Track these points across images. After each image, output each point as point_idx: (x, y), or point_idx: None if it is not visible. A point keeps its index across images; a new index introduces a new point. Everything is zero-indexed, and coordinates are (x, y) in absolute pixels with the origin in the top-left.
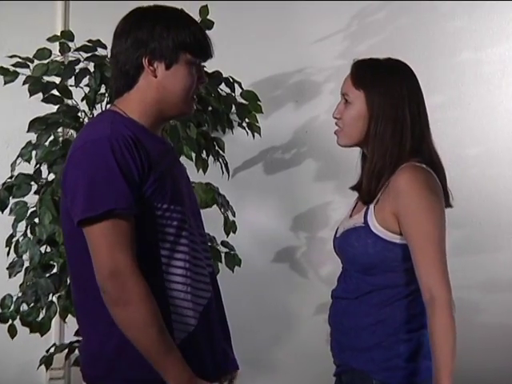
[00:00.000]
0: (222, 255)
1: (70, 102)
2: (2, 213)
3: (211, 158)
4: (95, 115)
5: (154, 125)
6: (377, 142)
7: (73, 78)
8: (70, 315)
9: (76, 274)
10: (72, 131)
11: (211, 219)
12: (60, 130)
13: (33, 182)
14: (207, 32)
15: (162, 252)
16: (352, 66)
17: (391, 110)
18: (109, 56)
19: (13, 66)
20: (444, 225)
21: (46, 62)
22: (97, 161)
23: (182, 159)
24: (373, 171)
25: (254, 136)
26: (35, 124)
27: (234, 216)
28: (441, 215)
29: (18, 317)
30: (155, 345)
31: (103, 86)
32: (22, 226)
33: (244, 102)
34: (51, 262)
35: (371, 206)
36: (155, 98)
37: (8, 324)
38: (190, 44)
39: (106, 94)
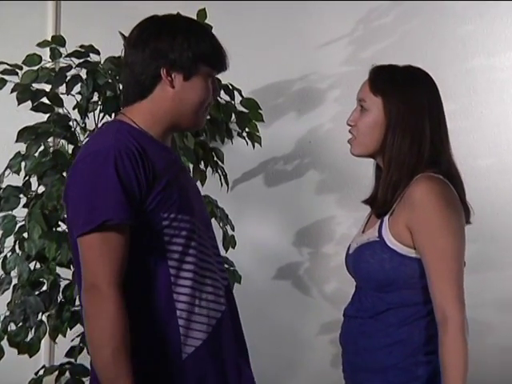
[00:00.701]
0: None
1: (60, 110)
2: None
3: (209, 169)
4: (99, 125)
5: (162, 135)
6: (394, 152)
7: (64, 85)
8: (60, 335)
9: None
10: (63, 141)
11: None
12: (50, 139)
13: (22, 195)
14: None
15: (169, 263)
16: (370, 71)
17: (410, 120)
18: (102, 62)
19: (0, 73)
20: (462, 240)
21: (35, 68)
22: (97, 172)
23: None
24: (389, 183)
25: (254, 146)
26: (24, 134)
27: (233, 230)
28: (458, 230)
29: (6, 337)
30: (106, 367)
31: (96, 93)
32: (10, 241)
33: (244, 110)
34: (41, 279)
35: (386, 219)
36: (169, 108)
37: None
38: (210, 56)
39: (99, 102)
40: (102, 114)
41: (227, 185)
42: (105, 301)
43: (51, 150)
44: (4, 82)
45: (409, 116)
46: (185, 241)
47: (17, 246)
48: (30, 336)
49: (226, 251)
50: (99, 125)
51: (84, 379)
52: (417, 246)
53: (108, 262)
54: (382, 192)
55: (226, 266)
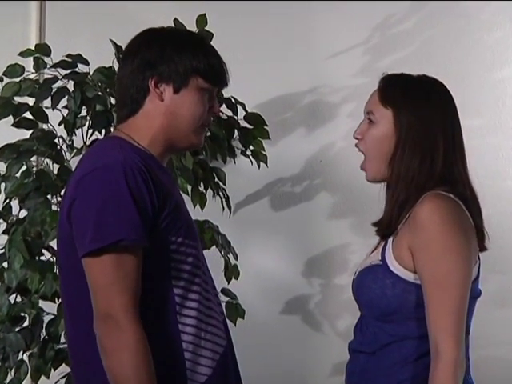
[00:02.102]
0: (223, 305)
1: (45, 126)
2: None
3: (210, 192)
4: (95, 142)
5: (161, 154)
6: (403, 168)
7: (49, 98)
8: (43, 377)
9: (75, 315)
10: (47, 161)
11: (210, 263)
12: (33, 159)
13: (1, 220)
14: None
15: (175, 291)
16: (380, 80)
17: (422, 135)
18: (91, 73)
19: None
20: (468, 267)
21: (17, 80)
22: (108, 187)
23: None
24: (395, 202)
25: (259, 166)
26: (5, 152)
27: (236, 259)
28: (465, 255)
29: None
30: None
31: (84, 107)
32: None
33: (248, 126)
34: (22, 314)
35: (389, 241)
36: (162, 124)
37: None
38: (203, 68)
39: (88, 118)
40: (91, 131)
41: (229, 209)
42: (124, 333)
43: (34, 170)
44: None
45: (421, 131)
46: (191, 268)
47: None
48: (9, 377)
49: (228, 282)
50: (88, 142)
51: None
52: (417, 269)
53: (124, 289)
54: (388, 212)
55: (228, 299)
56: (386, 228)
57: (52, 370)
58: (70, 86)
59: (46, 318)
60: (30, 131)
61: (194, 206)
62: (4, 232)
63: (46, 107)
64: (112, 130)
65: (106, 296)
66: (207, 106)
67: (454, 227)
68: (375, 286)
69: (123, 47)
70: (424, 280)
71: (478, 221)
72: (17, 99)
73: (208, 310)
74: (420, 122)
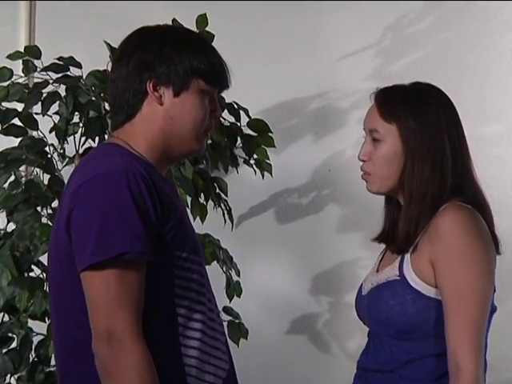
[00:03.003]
0: (225, 324)
1: (35, 133)
2: None
3: (211, 203)
4: (89, 150)
5: (160, 163)
6: (415, 182)
7: (39, 104)
8: None
9: (67, 336)
10: (37, 170)
11: (210, 279)
12: (22, 168)
13: None
14: None
15: (178, 311)
16: (376, 96)
17: (429, 144)
18: (84, 77)
19: None
20: (489, 281)
21: (5, 84)
22: (110, 196)
23: None
24: (411, 217)
25: (263, 176)
26: None
27: (238, 276)
28: (487, 268)
29: None
30: None
31: (77, 113)
32: None
33: (251, 133)
34: (10, 335)
35: (407, 256)
36: (161, 129)
37: None
38: (204, 69)
39: (81, 124)
40: (83, 138)
41: (232, 222)
42: (131, 354)
43: (23, 180)
44: None
45: (428, 140)
46: (196, 286)
47: None
48: None
49: (230, 300)
50: (80, 151)
51: None
52: (437, 282)
53: (127, 306)
54: (404, 227)
55: (230, 317)
56: (403, 244)
57: None
58: (62, 90)
59: (36, 339)
60: (19, 139)
61: (194, 219)
62: None
63: (36, 113)
64: (106, 137)
65: (107, 313)
66: (208, 110)
67: (476, 239)
68: (394, 302)
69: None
70: (444, 293)
71: (491, 226)
72: (5, 105)
73: (212, 332)
74: (425, 131)
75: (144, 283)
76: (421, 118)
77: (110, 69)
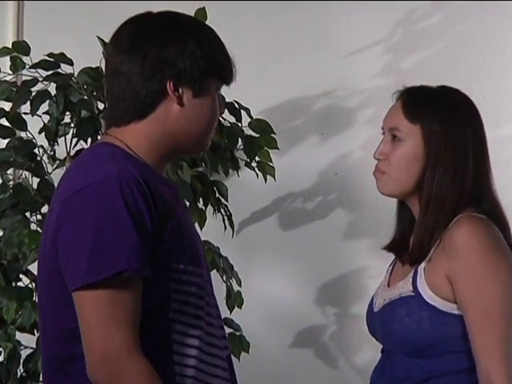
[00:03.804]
0: None
1: (23, 134)
2: None
3: (210, 209)
4: (71, 153)
5: (159, 164)
6: (435, 190)
7: (28, 103)
8: None
9: (52, 351)
10: (26, 173)
11: None
12: (10, 171)
13: None
14: None
15: (174, 326)
16: (401, 94)
17: (454, 151)
18: (75, 74)
19: None
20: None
21: None
22: (103, 207)
23: None
24: (426, 226)
25: (266, 179)
26: None
27: (239, 285)
28: (507, 279)
29: None
30: None
31: (68, 113)
32: None
33: (253, 134)
34: None
35: (420, 269)
36: (171, 130)
37: None
38: (222, 66)
39: (72, 125)
40: (75, 140)
41: (232, 228)
42: (129, 374)
43: (11, 184)
44: None
45: (452, 147)
46: (194, 300)
47: None
48: None
49: (231, 312)
50: (72, 153)
51: None
52: (458, 299)
53: (122, 326)
54: (418, 237)
55: (231, 330)
56: (416, 255)
57: None
58: (52, 88)
59: (24, 353)
60: (7, 140)
61: None
62: None
63: (25, 113)
64: (99, 138)
65: (102, 334)
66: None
67: (496, 252)
68: (409, 320)
69: None
70: (468, 310)
71: (508, 238)
72: None
73: (210, 348)
74: (450, 137)
75: (140, 299)
76: (447, 123)
77: (103, 66)
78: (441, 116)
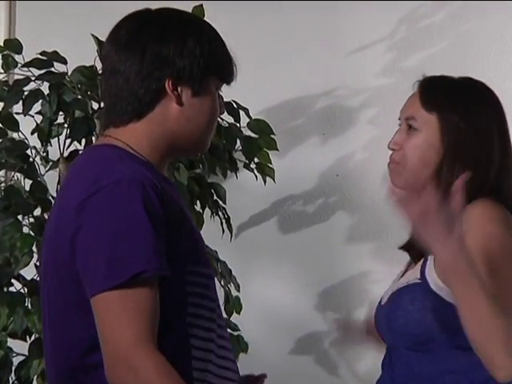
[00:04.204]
0: None
1: (15, 135)
2: None
3: (208, 211)
4: (65, 154)
5: (160, 164)
6: (450, 185)
7: (20, 103)
8: None
9: (68, 368)
10: (18, 175)
11: None
12: (2, 173)
13: None
14: None
15: (191, 331)
16: (420, 83)
17: (475, 142)
18: (69, 73)
19: None
20: None
21: None
22: (121, 210)
23: None
24: None
25: (265, 181)
26: None
27: (238, 290)
28: None
29: None
30: None
31: (61, 113)
32: None
33: (252, 135)
34: None
35: (430, 256)
36: (171, 130)
37: None
38: (222, 65)
39: (65, 125)
40: (68, 141)
41: (230, 231)
42: (139, 371)
43: (3, 186)
44: None
45: (473, 138)
46: (208, 302)
47: None
48: None
49: (229, 317)
50: (65, 154)
51: None
52: None
53: (132, 322)
54: None
55: (228, 330)
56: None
57: None
58: (45, 88)
59: (16, 360)
60: None
61: None
62: None
63: (17, 113)
64: (93, 139)
65: (112, 334)
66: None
67: (509, 232)
68: (413, 307)
69: None
70: None
71: None
72: None
73: (222, 351)
74: (470, 128)
75: (157, 300)
76: (467, 114)
77: (97, 65)
78: (460, 105)
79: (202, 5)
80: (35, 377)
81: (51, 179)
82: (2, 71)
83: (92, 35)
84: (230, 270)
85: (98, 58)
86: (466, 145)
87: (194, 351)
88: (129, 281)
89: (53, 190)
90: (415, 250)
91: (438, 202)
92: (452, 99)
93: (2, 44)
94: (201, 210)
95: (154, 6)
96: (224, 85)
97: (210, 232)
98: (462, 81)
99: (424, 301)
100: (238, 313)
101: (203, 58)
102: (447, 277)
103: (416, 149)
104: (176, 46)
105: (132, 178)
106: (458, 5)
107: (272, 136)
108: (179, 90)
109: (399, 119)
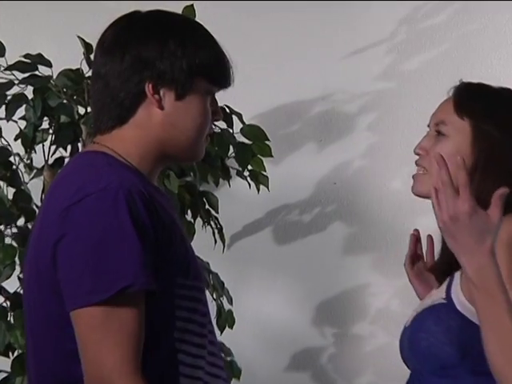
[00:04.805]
0: None
1: None
2: None
3: (199, 221)
4: (49, 162)
5: (150, 172)
6: (483, 194)
7: (3, 107)
8: None
9: (54, 382)
10: (1, 183)
11: None
12: None
13: None
14: None
15: (180, 347)
16: (455, 89)
17: (508, 156)
18: (54, 77)
19: None
20: None
21: None
22: (106, 219)
23: None
24: None
25: (259, 190)
26: None
27: (230, 304)
28: None
29: None
30: None
31: (46, 119)
32: None
33: (246, 141)
34: None
35: (457, 275)
36: (158, 137)
37: None
38: (210, 67)
39: (50, 131)
40: (53, 147)
41: (223, 242)
42: None
43: None
44: None
45: (506, 149)
46: (199, 317)
47: None
48: None
49: (221, 332)
50: (50, 161)
51: None
52: None
53: (117, 346)
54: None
55: (221, 355)
56: (454, 265)
57: None
58: (29, 92)
59: None
60: None
61: None
62: None
63: (0, 118)
64: (80, 146)
65: (95, 355)
66: (210, 113)
67: None
68: (437, 328)
69: (93, 45)
70: None
71: None
72: None
73: (213, 368)
74: (506, 140)
75: (143, 317)
76: (506, 125)
77: (84, 68)
78: (495, 114)
79: (192, 5)
80: None
81: (35, 188)
82: None
83: (78, 37)
84: (223, 283)
85: (84, 60)
86: (498, 155)
87: (183, 368)
88: (114, 296)
89: (37, 198)
90: (440, 271)
91: (470, 209)
92: (488, 107)
93: None
94: (192, 220)
95: (146, 5)
96: (223, 88)
97: (202, 243)
98: (501, 90)
99: (449, 321)
100: (231, 327)
101: (186, 59)
102: (472, 291)
103: (443, 155)
104: (155, 48)
105: (119, 185)
106: (460, 5)
107: (266, 142)
108: (161, 93)
109: (428, 125)
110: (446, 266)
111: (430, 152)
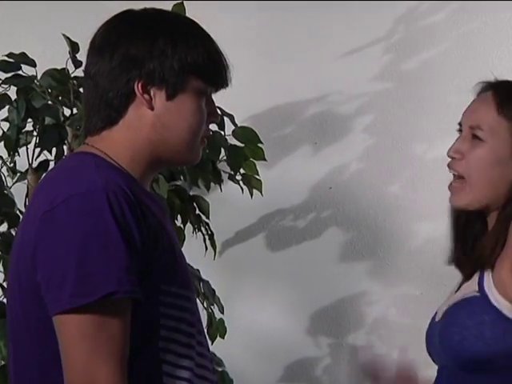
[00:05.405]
0: None
1: None
2: None
3: (189, 227)
4: (34, 165)
5: (143, 176)
6: None
7: None
8: None
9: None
10: None
11: None
12: None
13: None
14: None
15: (164, 357)
16: (492, 85)
17: None
18: (38, 77)
19: None
20: None
21: None
22: (89, 222)
23: None
24: (492, 236)
25: (251, 194)
26: None
27: (222, 312)
28: None
29: None
30: None
31: (30, 120)
32: None
33: (238, 144)
34: None
35: (487, 270)
36: (149, 139)
37: None
38: (203, 66)
39: (35, 133)
40: (38, 150)
41: (214, 249)
42: None
43: None
44: None
45: None
46: (186, 326)
47: None
48: None
49: (212, 342)
50: (34, 164)
51: None
52: None
53: (109, 357)
54: (487, 244)
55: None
56: (488, 258)
57: None
58: (12, 92)
59: None
60: None
61: None
62: None
63: None
64: (65, 148)
65: (85, 366)
66: (205, 113)
67: None
68: (470, 322)
69: (79, 44)
70: None
71: None
72: None
73: (201, 381)
74: None
75: (129, 325)
76: None
77: (69, 67)
78: None
79: (182, 3)
80: None
81: (19, 192)
82: None
83: (63, 35)
84: (214, 291)
85: (69, 60)
86: None
87: (167, 379)
88: (99, 302)
89: (20, 203)
90: (466, 266)
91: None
92: None
93: None
94: (182, 226)
95: (137, 3)
96: (220, 88)
97: (192, 249)
98: None
99: (483, 315)
100: (222, 337)
101: (176, 58)
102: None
103: (482, 161)
104: (144, 47)
105: (103, 187)
106: (460, 3)
107: (259, 145)
108: (151, 93)
109: (459, 124)
110: (472, 263)
111: (466, 156)
